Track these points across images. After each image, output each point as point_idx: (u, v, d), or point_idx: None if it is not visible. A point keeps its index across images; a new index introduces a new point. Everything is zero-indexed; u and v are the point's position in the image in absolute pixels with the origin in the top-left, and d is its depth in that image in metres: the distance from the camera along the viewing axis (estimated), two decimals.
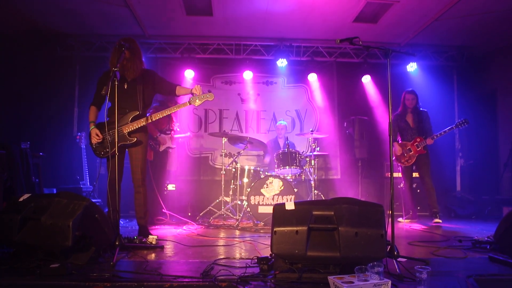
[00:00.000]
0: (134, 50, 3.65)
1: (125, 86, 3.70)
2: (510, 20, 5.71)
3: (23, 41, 6.35)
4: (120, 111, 3.61)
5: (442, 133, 5.17)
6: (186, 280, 2.28)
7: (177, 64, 7.08)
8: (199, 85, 3.71)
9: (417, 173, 5.71)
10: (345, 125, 7.26)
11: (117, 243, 2.92)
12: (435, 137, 5.21)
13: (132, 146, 3.73)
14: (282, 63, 7.01)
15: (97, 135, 3.60)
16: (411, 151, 5.34)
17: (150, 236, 3.51)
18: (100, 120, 3.70)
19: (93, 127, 3.64)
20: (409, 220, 5.51)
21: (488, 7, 5.54)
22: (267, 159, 6.59)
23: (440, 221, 5.09)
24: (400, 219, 5.59)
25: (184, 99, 4.10)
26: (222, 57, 7.24)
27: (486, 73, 7.50)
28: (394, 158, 5.30)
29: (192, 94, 3.70)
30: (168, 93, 3.95)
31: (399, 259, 2.69)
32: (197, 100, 3.66)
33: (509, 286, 2.22)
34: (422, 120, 5.42)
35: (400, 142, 5.53)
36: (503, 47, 6.89)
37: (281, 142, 6.45)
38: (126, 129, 3.64)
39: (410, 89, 5.58)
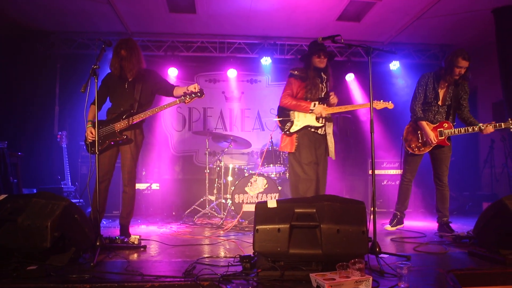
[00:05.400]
0: (131, 49, 3.66)
1: (126, 86, 3.73)
2: (488, 19, 5.82)
3: (1, 38, 6.19)
4: (117, 109, 3.71)
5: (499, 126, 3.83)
6: (168, 280, 2.26)
7: (160, 62, 7.00)
8: (197, 84, 3.65)
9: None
10: None
11: (98, 244, 2.87)
12: (492, 127, 3.80)
13: (123, 144, 3.72)
14: (266, 61, 7.00)
15: (91, 133, 3.58)
16: None
17: (132, 236, 3.46)
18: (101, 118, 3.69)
19: (89, 125, 3.62)
20: (394, 228, 4.34)
21: (467, 6, 5.63)
22: None
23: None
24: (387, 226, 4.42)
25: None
26: (206, 55, 7.19)
27: None
28: (403, 137, 4.22)
29: (188, 91, 3.62)
30: (166, 94, 3.91)
31: (381, 255, 2.72)
32: (187, 98, 3.62)
33: (486, 279, 2.27)
34: (459, 98, 4.05)
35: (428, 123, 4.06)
36: (483, 46, 7.02)
37: None
38: (118, 127, 3.64)
39: (465, 51, 3.91)
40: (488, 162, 6.51)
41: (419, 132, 4.09)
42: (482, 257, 2.79)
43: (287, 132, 3.86)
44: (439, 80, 4.04)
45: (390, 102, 3.79)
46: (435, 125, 4.05)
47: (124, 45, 3.64)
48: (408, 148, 4.14)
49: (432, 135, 3.97)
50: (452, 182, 7.30)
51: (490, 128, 3.83)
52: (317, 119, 3.85)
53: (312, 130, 3.86)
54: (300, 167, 3.80)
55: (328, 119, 3.93)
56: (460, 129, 3.97)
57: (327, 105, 3.84)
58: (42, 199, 2.68)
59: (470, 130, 3.92)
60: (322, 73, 3.93)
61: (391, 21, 6.26)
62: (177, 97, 3.71)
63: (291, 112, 3.88)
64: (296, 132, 3.83)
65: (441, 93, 4.05)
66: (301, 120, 3.85)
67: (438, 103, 4.05)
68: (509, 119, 3.85)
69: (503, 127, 3.82)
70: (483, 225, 2.94)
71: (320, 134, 3.90)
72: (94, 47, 6.61)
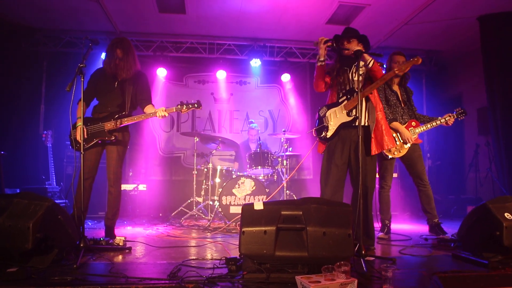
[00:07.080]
0: (127, 49, 3.65)
1: (115, 85, 3.68)
2: (474, 26, 5.93)
3: None
4: (104, 108, 3.66)
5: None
6: (152, 282, 2.22)
7: (149, 62, 6.95)
8: (163, 108, 3.60)
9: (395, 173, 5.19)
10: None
11: (81, 245, 2.83)
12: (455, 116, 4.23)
13: (110, 144, 3.68)
14: (255, 63, 7.01)
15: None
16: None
17: (118, 237, 3.42)
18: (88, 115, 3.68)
19: (79, 123, 3.53)
20: (387, 236, 4.17)
21: (454, 13, 5.73)
22: (236, 164, 6.30)
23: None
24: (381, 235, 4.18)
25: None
26: (195, 56, 7.17)
27: (453, 77, 7.76)
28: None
29: (156, 115, 3.59)
30: (140, 104, 3.81)
31: (367, 258, 2.73)
32: (184, 107, 3.64)
33: (469, 281, 2.29)
34: (410, 99, 4.24)
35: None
36: (468, 52, 7.14)
37: (253, 147, 6.31)
38: (108, 127, 3.59)
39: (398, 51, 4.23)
40: (473, 166, 6.62)
41: (393, 134, 4.03)
42: (466, 260, 2.82)
43: (325, 139, 3.41)
44: (389, 83, 4.17)
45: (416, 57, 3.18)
46: (405, 125, 4.10)
47: (119, 45, 3.62)
48: (387, 153, 4.03)
49: (409, 134, 4.02)
50: (438, 186, 7.45)
51: (452, 119, 4.19)
52: (348, 113, 3.31)
53: (347, 127, 3.34)
54: (327, 167, 3.37)
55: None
56: (427, 125, 4.14)
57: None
58: (24, 199, 2.63)
59: (434, 124, 4.17)
60: (354, 62, 3.31)
61: (380, 26, 6.33)
62: (146, 113, 3.69)
63: (324, 118, 3.43)
64: (333, 135, 3.37)
65: (397, 92, 4.17)
66: (333, 120, 3.37)
67: (401, 104, 4.16)
68: (455, 109, 4.28)
69: (455, 117, 4.26)
70: (467, 229, 2.98)
71: (354, 126, 3.27)
72: (82, 45, 6.53)
